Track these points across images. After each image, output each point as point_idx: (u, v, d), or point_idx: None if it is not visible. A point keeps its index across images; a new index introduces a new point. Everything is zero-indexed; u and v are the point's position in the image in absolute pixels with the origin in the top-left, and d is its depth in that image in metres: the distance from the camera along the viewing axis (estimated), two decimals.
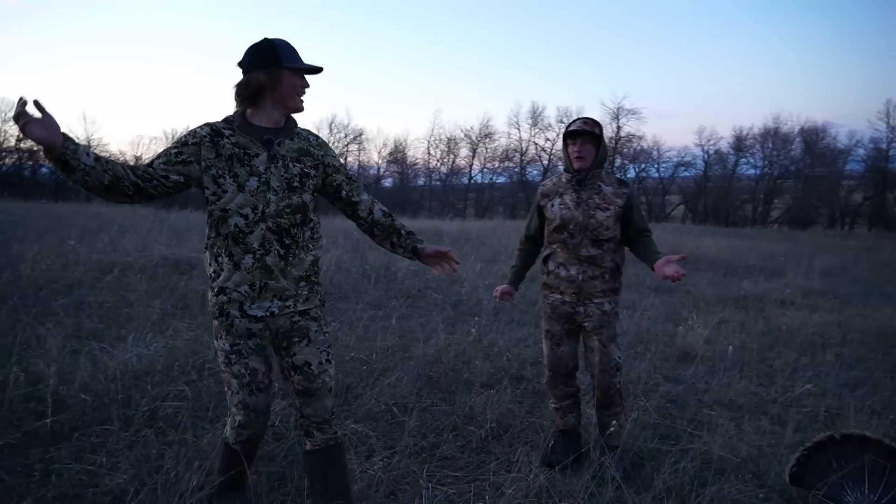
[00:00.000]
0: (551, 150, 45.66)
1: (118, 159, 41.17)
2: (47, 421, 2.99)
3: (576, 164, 3.05)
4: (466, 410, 3.57)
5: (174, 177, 2.09)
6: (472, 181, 47.72)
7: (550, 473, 2.91)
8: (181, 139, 2.13)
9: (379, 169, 47.94)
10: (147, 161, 2.12)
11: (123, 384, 3.42)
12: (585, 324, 3.09)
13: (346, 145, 46.11)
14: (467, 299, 6.84)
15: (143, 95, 74.63)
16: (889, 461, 2.76)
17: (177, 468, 2.57)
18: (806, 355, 5.54)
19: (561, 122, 45.25)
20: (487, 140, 46.86)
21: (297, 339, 2.24)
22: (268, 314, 2.18)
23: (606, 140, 3.05)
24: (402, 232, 2.42)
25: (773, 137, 41.90)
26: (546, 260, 3.20)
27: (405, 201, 42.36)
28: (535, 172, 46.50)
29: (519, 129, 46.44)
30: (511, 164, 46.75)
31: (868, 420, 3.89)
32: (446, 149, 47.51)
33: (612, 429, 2.99)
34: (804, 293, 9.11)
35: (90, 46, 74.33)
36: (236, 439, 2.27)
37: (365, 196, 2.40)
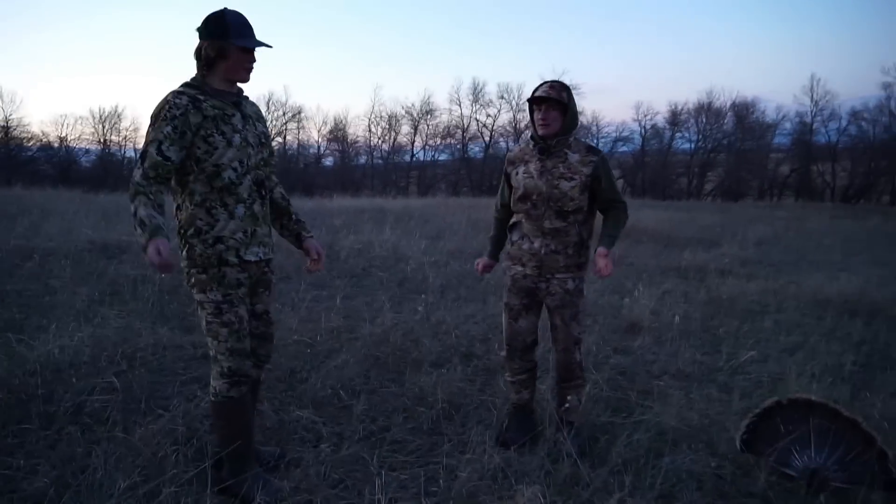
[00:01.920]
0: (493, 126, 45.74)
1: (42, 140, 39.42)
2: None
3: (540, 131, 2.90)
4: (416, 391, 3.46)
5: (180, 153, 2.24)
6: (415, 159, 47.40)
7: (505, 453, 2.83)
8: (166, 114, 2.21)
9: (319, 148, 47.05)
10: (149, 155, 2.20)
11: (44, 378, 3.14)
12: (547, 301, 3.00)
13: (285, 123, 45.00)
14: (413, 277, 6.72)
15: (67, 73, 70.79)
16: (833, 423, 2.80)
17: (105, 467, 2.37)
18: (746, 322, 5.66)
19: (502, 97, 45.31)
20: (429, 117, 46.57)
21: (261, 290, 2.52)
22: (256, 259, 2.41)
23: (567, 107, 2.90)
24: (294, 217, 2.69)
25: (706, 112, 43.11)
26: (510, 230, 3.08)
27: (346, 180, 41.69)
28: (476, 149, 46.60)
29: (460, 106, 46.21)
30: (453, 141, 46.63)
31: (808, 384, 3.97)
32: (387, 126, 46.97)
33: (567, 404, 2.93)
34: (741, 262, 9.37)
35: (9, 20, 69.76)
36: (229, 388, 2.37)
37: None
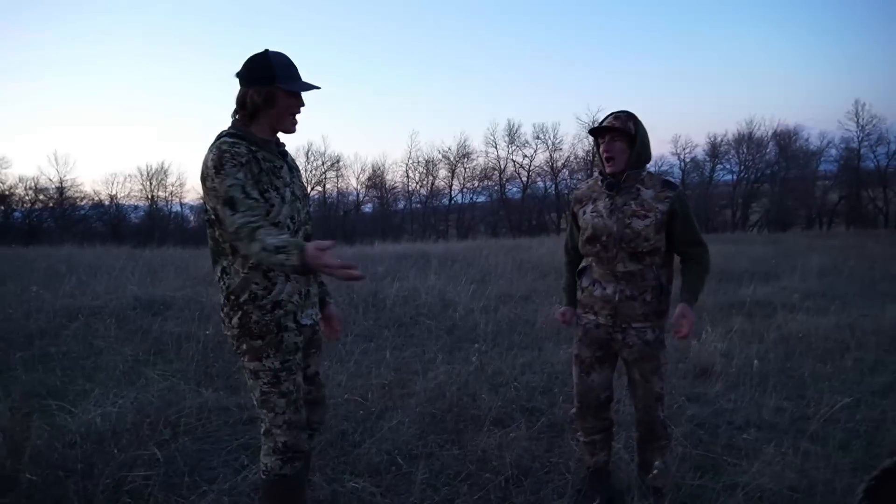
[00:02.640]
0: (529, 166, 45.71)
1: (94, 199, 40.77)
2: None
3: (607, 167, 2.66)
4: (479, 454, 3.17)
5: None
6: (453, 202, 47.53)
7: None
8: (232, 161, 2.00)
9: (358, 195, 47.59)
10: (238, 199, 1.97)
11: (84, 451, 2.97)
12: (624, 354, 2.70)
13: (324, 172, 45.73)
14: (462, 324, 6.45)
15: (116, 132, 73.89)
16: None
17: None
18: (825, 363, 5.23)
19: (538, 138, 45.39)
20: (465, 160, 46.84)
21: (314, 350, 2.35)
22: (311, 322, 2.25)
23: (635, 138, 2.63)
24: (320, 280, 2.46)
25: (747, 142, 42.33)
26: (580, 275, 2.81)
27: (386, 226, 41.99)
28: (514, 190, 46.53)
29: (496, 148, 46.39)
30: (490, 183, 46.68)
31: None
32: (425, 171, 47.35)
33: (655, 470, 2.60)
34: (804, 296, 8.84)
35: (61, 85, 73.52)
36: (283, 465, 2.17)
37: None
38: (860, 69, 77.23)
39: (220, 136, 2.11)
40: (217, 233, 2.11)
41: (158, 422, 3.33)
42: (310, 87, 2.17)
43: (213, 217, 2.08)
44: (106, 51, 74.79)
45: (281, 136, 2.25)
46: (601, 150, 2.69)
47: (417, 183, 47.66)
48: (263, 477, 2.19)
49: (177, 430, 3.30)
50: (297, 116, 2.20)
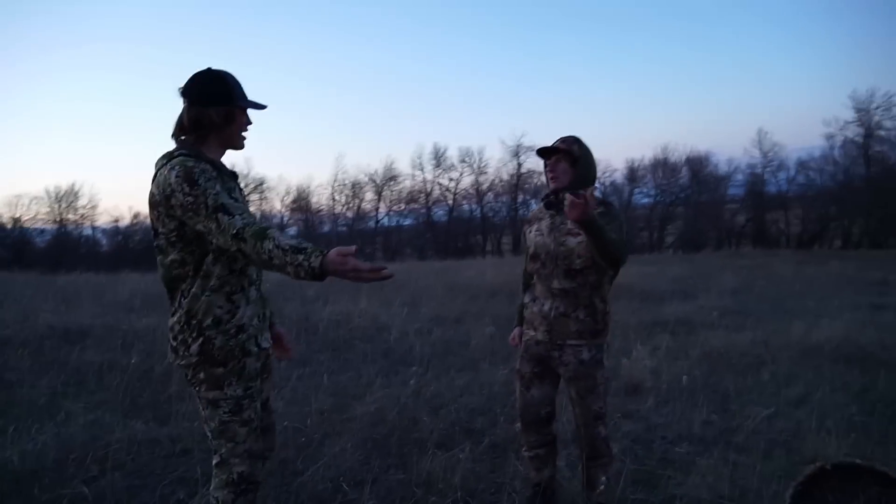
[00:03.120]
0: (455, 189, 46.22)
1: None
2: None
3: (551, 185, 2.75)
4: (424, 477, 3.15)
5: None
6: (379, 224, 47.42)
7: None
8: (207, 175, 1.93)
9: (283, 217, 46.72)
10: (229, 204, 1.92)
11: (2, 491, 2.76)
12: (561, 371, 2.76)
13: (248, 195, 44.54)
14: (397, 347, 6.44)
15: (21, 152, 69.72)
16: (884, 488, 2.60)
17: None
18: (744, 376, 5.51)
19: (463, 161, 46.00)
20: (392, 183, 46.88)
21: (265, 376, 2.25)
22: (268, 345, 2.20)
23: (577, 160, 2.72)
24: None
25: (662, 167, 44.40)
26: (525, 291, 2.90)
27: None
28: (440, 213, 46.88)
29: (423, 171, 46.71)
30: (417, 206, 46.86)
31: (826, 440, 3.81)
32: (351, 193, 47.06)
33: (602, 486, 2.66)
34: (721, 313, 9.31)
35: None
36: (235, 497, 2.10)
37: None
38: (763, 99, 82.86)
39: (172, 156, 2.02)
40: (170, 258, 2.02)
41: (84, 457, 3.14)
42: (261, 105, 2.15)
43: (171, 240, 1.99)
44: (8, 66, 70.89)
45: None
46: (547, 169, 2.78)
47: (343, 206, 47.34)
48: None
49: (104, 466, 3.12)
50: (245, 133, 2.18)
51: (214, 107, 2.04)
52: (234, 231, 1.85)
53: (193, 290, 2.02)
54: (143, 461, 3.30)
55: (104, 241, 44.19)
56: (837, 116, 38.88)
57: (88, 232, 43.69)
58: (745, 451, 3.73)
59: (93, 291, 9.78)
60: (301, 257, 1.74)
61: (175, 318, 2.05)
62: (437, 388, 4.78)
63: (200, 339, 2.01)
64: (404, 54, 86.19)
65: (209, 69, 2.09)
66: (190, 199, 1.90)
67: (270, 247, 1.79)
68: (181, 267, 2.01)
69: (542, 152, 2.78)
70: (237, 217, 1.88)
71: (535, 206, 2.98)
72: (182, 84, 2.08)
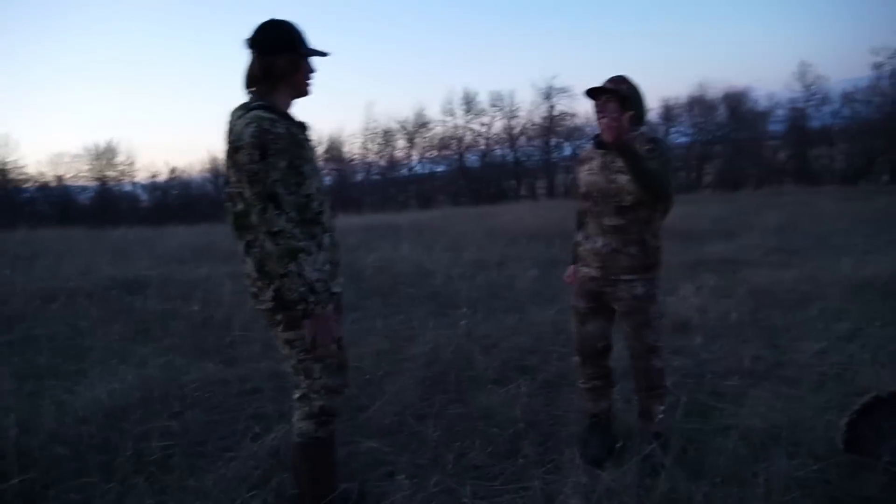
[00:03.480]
0: (487, 134, 45.66)
1: (39, 180, 38.98)
2: (14, 481, 2.54)
3: (602, 126, 2.76)
4: (483, 412, 3.29)
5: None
6: (412, 172, 47.28)
7: (596, 471, 2.66)
8: (275, 147, 2.01)
9: None
10: (282, 197, 2.02)
11: (97, 426, 2.99)
12: (616, 307, 2.85)
13: None
14: (443, 291, 6.56)
15: (61, 111, 70.87)
16: None
17: None
18: (793, 313, 5.51)
19: (494, 105, 45.24)
20: (423, 130, 46.41)
21: (338, 316, 2.31)
22: (340, 290, 2.28)
23: (627, 100, 2.71)
24: None
25: (699, 105, 43.01)
26: (579, 230, 2.98)
27: (346, 198, 41.58)
28: (473, 158, 46.45)
29: (454, 117, 46.09)
30: (449, 152, 46.49)
31: (880, 373, 3.83)
32: (383, 142, 46.84)
33: (660, 415, 2.77)
34: (766, 251, 9.22)
35: None
36: (317, 427, 2.25)
37: None
38: (805, 31, 79.01)
39: (249, 108, 2.09)
40: (238, 208, 2.11)
41: (165, 395, 3.37)
42: (324, 53, 2.22)
43: (237, 190, 2.09)
44: (44, 25, 71.34)
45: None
46: (596, 110, 2.78)
47: (376, 154, 47.22)
48: (298, 440, 2.26)
49: (186, 403, 3.34)
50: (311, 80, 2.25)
51: (282, 55, 2.11)
52: (273, 230, 1.98)
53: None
54: (217, 399, 3.52)
55: (144, 197, 45.08)
56: (886, 45, 36.82)
57: (128, 188, 44.60)
58: (796, 384, 3.78)
59: (143, 245, 10.11)
60: (312, 298, 2.02)
61: (250, 266, 2.16)
62: (487, 328, 4.91)
63: (273, 285, 2.12)
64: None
65: (273, 19, 2.15)
66: (254, 167, 2.00)
67: (295, 269, 1.99)
68: (247, 217, 2.09)
69: (592, 93, 2.77)
70: (283, 217, 1.99)
71: (578, 147, 2.99)
72: (247, 35, 2.15)
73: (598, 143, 2.82)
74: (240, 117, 2.08)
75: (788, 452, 2.82)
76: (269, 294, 2.14)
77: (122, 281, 6.40)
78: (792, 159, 41.55)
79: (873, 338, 4.69)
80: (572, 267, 3.06)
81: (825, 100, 40.36)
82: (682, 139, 43.72)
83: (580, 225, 3.03)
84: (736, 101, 42.95)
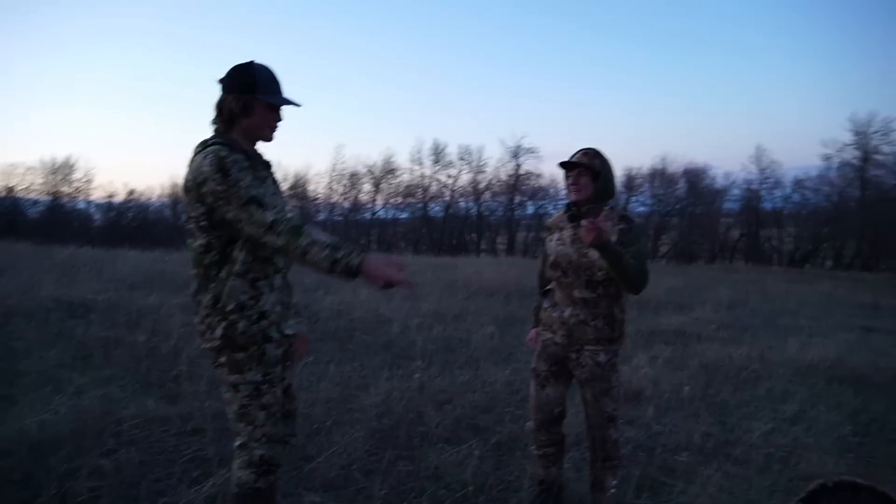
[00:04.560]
0: (453, 186, 46.21)
1: None
2: None
3: (572, 197, 2.81)
4: (433, 470, 3.21)
5: None
6: (375, 216, 47.33)
7: None
8: (238, 166, 1.99)
9: None
10: (261, 198, 1.99)
11: (21, 459, 2.79)
12: (577, 373, 2.84)
13: None
14: (398, 341, 6.47)
15: (18, 120, 69.17)
16: None
17: None
18: (742, 390, 5.59)
19: (462, 159, 45.96)
20: (390, 175, 46.75)
21: (288, 363, 2.29)
22: (292, 332, 2.23)
23: (599, 174, 2.80)
24: None
25: (660, 177, 44.50)
26: (544, 296, 2.97)
27: None
28: (437, 208, 46.83)
29: (422, 166, 46.61)
30: (414, 200, 46.80)
31: (822, 458, 3.89)
32: (349, 184, 46.94)
33: (612, 489, 2.74)
34: (717, 326, 9.41)
35: None
36: (257, 478, 2.14)
37: None
38: (764, 116, 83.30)
39: (206, 144, 2.08)
40: (198, 242, 2.06)
41: (100, 431, 3.18)
42: (288, 102, 2.19)
43: (200, 224, 2.04)
44: (10, 32, 70.22)
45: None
46: (569, 182, 2.83)
47: (341, 195, 47.22)
48: (236, 489, 2.15)
49: (120, 440, 3.16)
50: (277, 127, 2.23)
51: (234, 95, 2.10)
52: (268, 224, 1.93)
53: (220, 274, 2.07)
54: (155, 438, 3.34)
55: (97, 216, 43.92)
56: (836, 138, 38.98)
57: (82, 206, 43.44)
58: (744, 465, 3.80)
59: (91, 266, 9.76)
60: (341, 254, 1.88)
61: (203, 302, 2.09)
62: (441, 383, 4.83)
63: (224, 323, 2.06)
64: (409, 48, 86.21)
65: (246, 61, 2.14)
66: (222, 188, 1.96)
67: (305, 243, 1.90)
68: (207, 252, 2.06)
69: (565, 165, 2.83)
70: (269, 211, 1.95)
71: (542, 207, 3.02)
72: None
73: (572, 215, 2.84)
74: (198, 153, 2.07)
75: None
76: (218, 331, 2.06)
77: (66, 303, 6.14)
78: (744, 237, 43.14)
79: (818, 422, 4.78)
80: (535, 330, 3.05)
81: (777, 184, 42.30)
82: (642, 209, 44.97)
83: (544, 291, 3.04)
84: (695, 177, 44.61)
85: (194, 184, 2.01)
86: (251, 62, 2.14)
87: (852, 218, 37.16)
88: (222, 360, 2.09)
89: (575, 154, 2.84)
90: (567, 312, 2.82)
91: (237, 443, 2.16)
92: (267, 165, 2.23)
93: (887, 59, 76.15)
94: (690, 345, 7.45)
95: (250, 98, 2.10)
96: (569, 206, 2.87)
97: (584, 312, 2.79)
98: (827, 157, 39.39)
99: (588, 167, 2.78)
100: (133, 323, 5.68)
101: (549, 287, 2.97)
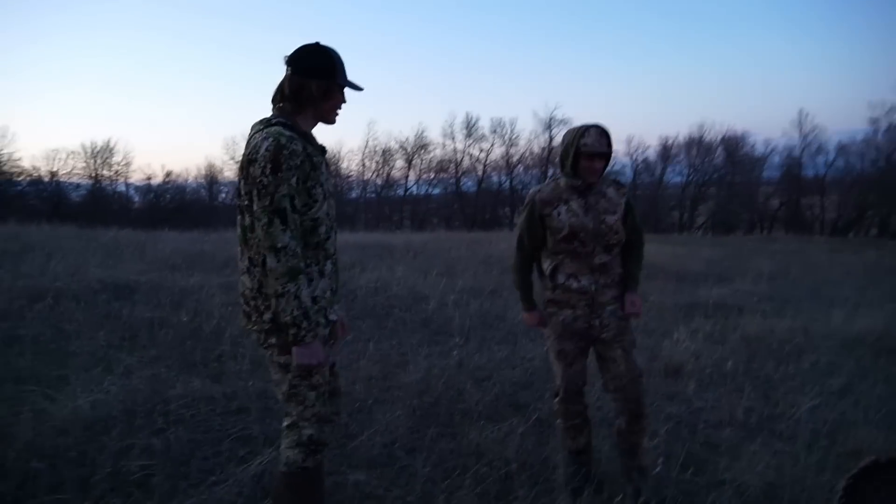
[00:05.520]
0: (486, 160, 45.94)
1: (33, 174, 38.60)
2: None
3: (591, 179, 2.83)
4: (474, 448, 3.22)
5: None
6: (408, 193, 47.39)
7: None
8: (289, 163, 1.98)
9: None
10: (289, 214, 1.98)
11: (76, 438, 2.89)
12: (604, 335, 2.87)
13: None
14: (436, 317, 6.50)
15: (61, 106, 70.83)
16: None
17: None
18: (786, 364, 5.48)
19: (495, 132, 45.58)
20: (422, 151, 46.70)
21: (332, 342, 2.26)
22: (336, 318, 2.22)
23: (608, 162, 2.93)
24: None
25: (697, 146, 43.56)
26: (554, 273, 2.92)
27: (339, 214, 41.47)
28: (469, 183, 46.67)
29: (454, 140, 46.41)
30: (446, 176, 46.72)
31: (872, 434, 3.80)
32: (381, 160, 47.02)
33: (658, 467, 2.74)
34: (758, 298, 9.22)
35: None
36: (305, 457, 2.16)
37: None
38: (807, 80, 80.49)
39: (269, 123, 2.08)
40: (246, 222, 2.06)
41: (150, 410, 3.27)
42: (359, 87, 2.21)
43: (245, 203, 2.04)
44: (50, 20, 71.48)
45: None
46: (591, 165, 2.80)
47: (373, 172, 47.35)
48: (284, 469, 2.18)
49: (169, 420, 3.24)
50: (340, 110, 2.24)
51: (317, 80, 2.10)
52: (278, 244, 1.94)
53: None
54: (202, 417, 3.42)
55: (136, 199, 44.87)
56: (884, 99, 37.63)
57: (121, 188, 44.41)
58: (790, 441, 3.74)
59: (133, 248, 9.98)
60: (306, 325, 1.97)
61: (248, 284, 2.10)
62: (479, 360, 4.84)
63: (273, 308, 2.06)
64: (439, 20, 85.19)
65: (318, 43, 2.15)
66: (265, 180, 1.96)
67: (292, 289, 1.94)
68: (252, 232, 2.04)
69: (595, 154, 2.81)
70: (287, 233, 1.95)
71: (546, 186, 2.95)
72: (289, 52, 2.14)
73: (582, 188, 2.85)
74: (258, 131, 2.07)
75: None
76: (267, 316, 2.07)
77: (111, 284, 6.29)
78: (784, 206, 42.06)
79: (865, 396, 4.67)
80: (536, 312, 3.02)
81: (820, 149, 41.05)
82: (678, 178, 44.15)
83: (528, 266, 3.02)
84: (733, 145, 43.58)
85: (247, 161, 2.02)
86: (323, 46, 2.15)
87: None
88: (272, 341, 2.10)
89: (586, 132, 2.81)
90: (585, 280, 2.86)
91: (286, 423, 2.19)
92: (323, 151, 2.23)
93: None
94: (731, 318, 7.32)
95: (333, 84, 2.13)
96: (570, 178, 2.87)
97: (604, 277, 2.88)
98: (874, 121, 38.09)
99: (609, 155, 2.87)
100: (176, 303, 5.80)
101: (552, 264, 2.92)
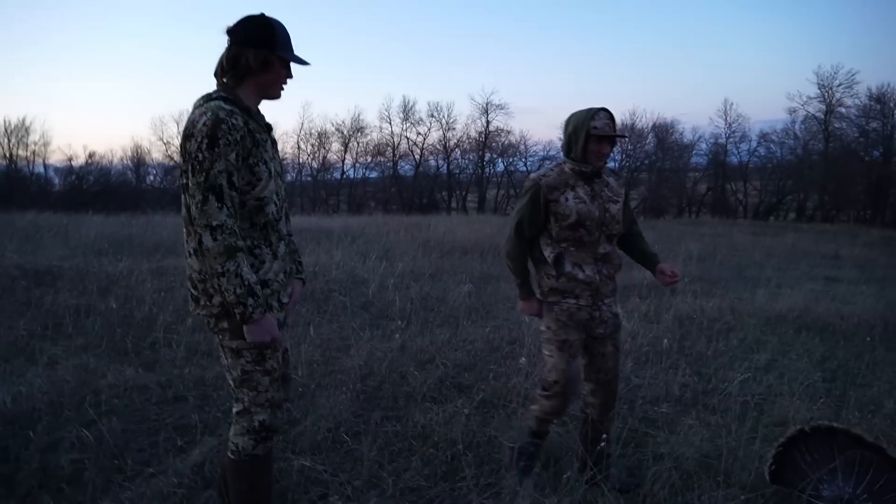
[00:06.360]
0: (423, 144, 45.77)
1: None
2: None
3: (598, 163, 2.78)
4: (419, 430, 3.21)
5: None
6: (345, 176, 46.78)
7: (535, 496, 2.63)
8: (227, 138, 1.88)
9: None
10: (225, 190, 1.88)
11: None
12: (599, 330, 2.83)
13: None
14: (376, 301, 6.45)
15: None
16: (858, 451, 2.77)
17: None
18: (716, 342, 5.71)
19: (432, 116, 45.42)
20: (359, 134, 46.09)
21: (284, 327, 2.20)
22: (288, 300, 2.17)
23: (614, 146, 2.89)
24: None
25: (629, 132, 44.62)
26: (558, 261, 2.80)
27: None
28: (407, 167, 46.43)
29: (391, 124, 45.99)
30: (383, 159, 46.32)
31: (796, 404, 4.00)
32: (317, 143, 46.18)
33: (603, 443, 2.81)
34: (689, 279, 9.55)
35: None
36: (255, 444, 2.10)
37: None
38: (731, 70, 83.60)
39: (210, 98, 1.97)
40: (188, 202, 1.95)
41: (79, 402, 3.11)
42: (304, 61, 2.10)
43: (184, 181, 1.94)
44: None
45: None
46: (600, 149, 2.75)
47: (309, 155, 46.48)
48: (232, 457, 2.10)
49: (100, 411, 3.09)
50: (285, 85, 2.13)
51: (254, 49, 1.99)
52: (213, 223, 1.84)
53: None
54: (136, 407, 3.28)
55: (57, 180, 42.60)
56: (801, 91, 39.51)
57: (40, 170, 42.04)
58: (722, 413, 3.89)
59: (54, 233, 9.47)
60: (251, 301, 1.88)
61: (196, 267, 2.00)
62: (422, 342, 4.83)
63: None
64: (376, 3, 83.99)
65: (262, 14, 2.05)
66: (200, 155, 1.86)
67: (232, 269, 1.85)
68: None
69: (601, 138, 2.75)
70: (224, 211, 1.85)
71: (549, 171, 2.87)
72: (229, 24, 2.04)
73: (589, 174, 2.78)
74: (198, 106, 1.95)
75: (719, 483, 2.89)
76: (216, 299, 1.97)
77: (31, 271, 5.95)
78: (710, 192, 43.76)
79: (789, 370, 4.92)
80: (534, 300, 2.90)
81: (744, 137, 42.79)
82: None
83: (525, 254, 2.91)
84: (664, 132, 44.84)
85: (184, 137, 1.92)
86: (265, 16, 2.05)
87: (816, 170, 37.88)
88: (223, 325, 2.01)
89: (596, 115, 2.73)
90: (589, 270, 2.78)
91: (236, 409, 2.10)
92: (268, 128, 2.13)
93: (855, 12, 76.78)
94: (664, 298, 7.56)
95: (270, 54, 2.02)
96: (577, 163, 2.77)
97: (606, 267, 2.84)
98: (792, 111, 39.94)
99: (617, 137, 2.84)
100: (104, 290, 5.54)
101: (555, 252, 2.81)
